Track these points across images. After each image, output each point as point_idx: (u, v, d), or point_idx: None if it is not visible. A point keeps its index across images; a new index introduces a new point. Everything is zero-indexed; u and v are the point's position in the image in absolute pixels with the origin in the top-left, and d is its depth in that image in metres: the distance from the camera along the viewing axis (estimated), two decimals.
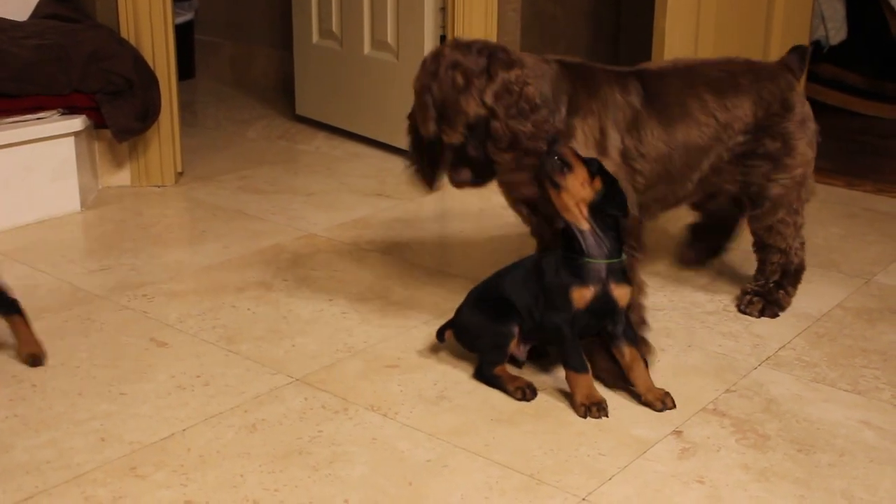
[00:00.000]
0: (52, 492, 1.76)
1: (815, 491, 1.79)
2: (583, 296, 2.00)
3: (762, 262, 2.55)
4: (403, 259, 2.85)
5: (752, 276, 2.58)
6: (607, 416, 2.01)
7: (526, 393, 2.08)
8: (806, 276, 2.64)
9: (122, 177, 3.45)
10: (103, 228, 3.09)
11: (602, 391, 2.08)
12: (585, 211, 1.99)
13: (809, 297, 2.59)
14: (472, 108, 2.06)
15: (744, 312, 2.51)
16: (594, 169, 2.00)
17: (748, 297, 2.53)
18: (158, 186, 3.46)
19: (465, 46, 2.12)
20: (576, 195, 1.99)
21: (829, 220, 3.19)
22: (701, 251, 2.75)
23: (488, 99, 2.06)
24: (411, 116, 2.22)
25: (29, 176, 3.09)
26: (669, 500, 1.76)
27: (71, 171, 3.17)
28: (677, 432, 1.97)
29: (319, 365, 2.22)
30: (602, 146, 2.18)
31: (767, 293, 2.51)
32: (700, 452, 1.91)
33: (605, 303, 2.02)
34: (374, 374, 2.19)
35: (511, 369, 2.14)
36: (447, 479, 1.81)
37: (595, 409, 2.01)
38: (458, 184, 2.15)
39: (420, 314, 2.46)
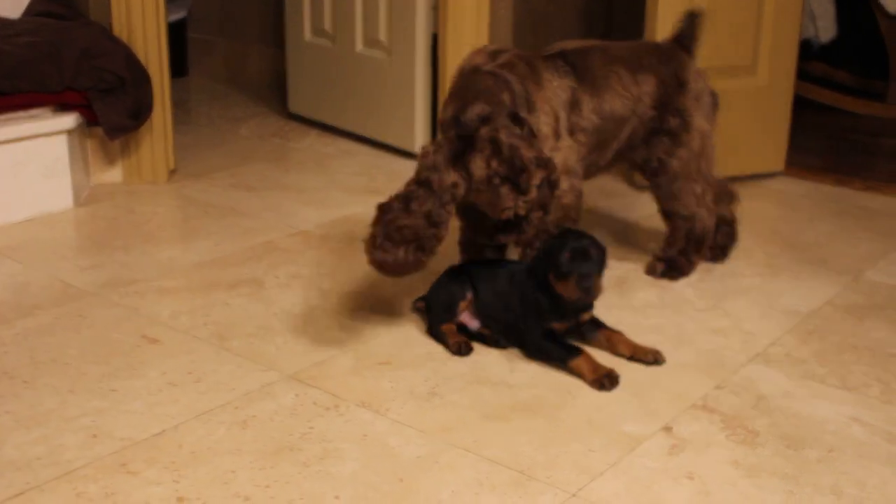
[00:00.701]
0: (44, 488, 1.76)
1: (804, 486, 1.80)
2: (560, 328, 2.23)
3: (670, 229, 2.70)
4: None
5: (662, 244, 2.73)
6: (618, 384, 2.12)
7: (461, 347, 2.25)
8: (795, 273, 2.66)
9: (115, 174, 3.45)
10: (95, 225, 3.09)
11: (591, 392, 2.09)
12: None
13: (799, 294, 2.61)
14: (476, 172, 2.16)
15: (647, 273, 2.69)
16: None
17: (653, 261, 2.71)
18: (150, 184, 3.46)
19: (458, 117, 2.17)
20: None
21: (818, 218, 3.20)
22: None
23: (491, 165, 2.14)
24: None
25: (21, 173, 3.09)
26: (659, 496, 1.77)
27: (63, 168, 3.17)
28: (667, 428, 1.98)
29: (310, 361, 2.23)
30: (557, 131, 2.30)
31: (670, 259, 2.68)
32: (690, 449, 1.92)
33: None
34: (365, 371, 2.19)
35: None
36: (438, 475, 1.82)
37: (607, 380, 2.11)
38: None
39: (411, 311, 2.47)
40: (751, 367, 2.24)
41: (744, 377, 2.19)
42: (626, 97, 2.48)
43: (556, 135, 2.30)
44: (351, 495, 1.76)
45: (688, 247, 2.67)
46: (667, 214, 2.68)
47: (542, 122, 2.28)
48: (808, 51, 4.61)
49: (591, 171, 2.52)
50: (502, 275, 2.29)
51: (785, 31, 3.45)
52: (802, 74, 4.29)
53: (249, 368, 2.20)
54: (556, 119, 2.31)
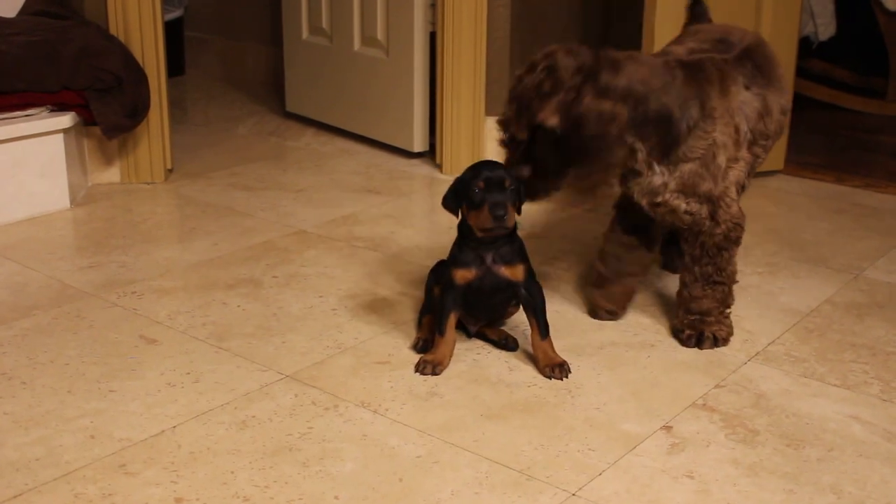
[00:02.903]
0: (42, 489, 1.76)
1: (804, 485, 1.80)
2: (463, 277, 2.15)
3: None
4: (393, 255, 2.85)
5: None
6: (433, 374, 2.15)
7: (418, 343, 2.26)
8: (795, 271, 2.65)
9: (112, 174, 3.45)
10: (93, 225, 3.08)
11: (596, 389, 2.09)
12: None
13: (798, 293, 2.60)
14: (545, 118, 2.04)
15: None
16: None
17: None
18: (148, 183, 3.45)
19: (574, 53, 2.08)
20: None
21: (817, 216, 3.20)
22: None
23: (565, 120, 2.03)
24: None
25: (18, 173, 3.08)
26: (659, 495, 1.77)
27: (60, 168, 3.16)
28: (667, 427, 1.98)
29: (310, 361, 2.22)
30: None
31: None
32: (689, 448, 1.91)
33: (497, 283, 2.16)
34: (364, 371, 2.19)
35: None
36: (437, 475, 1.81)
37: (426, 365, 2.17)
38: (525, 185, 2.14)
39: (410, 310, 2.46)
40: (750, 366, 2.23)
41: (743, 376, 2.19)
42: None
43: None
44: (350, 495, 1.75)
45: None
46: None
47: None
48: (807, 48, 4.61)
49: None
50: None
51: (784, 28, 3.44)
52: (801, 72, 4.29)
53: (248, 368, 2.19)
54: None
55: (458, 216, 2.15)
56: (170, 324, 2.40)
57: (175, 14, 5.06)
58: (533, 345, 2.20)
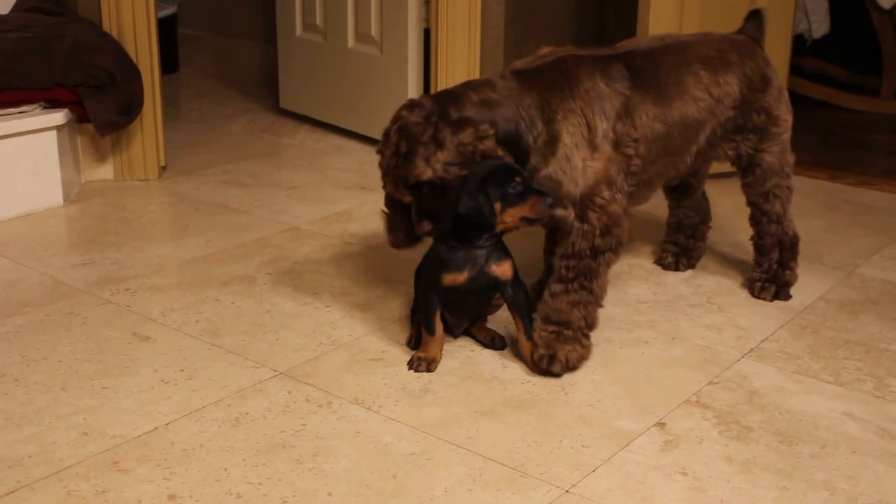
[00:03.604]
0: (35, 486, 1.75)
1: (798, 482, 1.80)
2: (454, 280, 2.12)
3: (760, 236, 2.59)
4: (387, 252, 2.84)
5: (754, 258, 2.62)
6: (427, 371, 2.16)
7: (411, 341, 2.27)
8: None
9: (105, 171, 3.44)
10: (86, 223, 3.07)
11: (590, 386, 2.09)
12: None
13: (792, 290, 2.60)
14: (418, 174, 2.06)
15: (757, 297, 2.57)
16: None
17: (759, 283, 2.58)
18: (141, 181, 3.45)
19: (416, 106, 2.10)
20: (508, 225, 2.11)
21: (811, 213, 3.20)
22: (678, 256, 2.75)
23: (438, 167, 2.05)
24: None
25: (11, 170, 3.07)
26: (652, 491, 1.77)
27: (53, 165, 3.15)
28: (660, 424, 1.98)
29: (303, 358, 2.22)
30: (592, 143, 2.17)
31: (775, 277, 2.57)
32: (683, 444, 1.91)
33: (486, 282, 2.15)
34: (358, 368, 2.18)
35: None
36: (431, 472, 1.81)
37: (420, 362, 2.17)
38: (422, 235, 2.17)
39: (404, 307, 2.46)
40: (744, 363, 2.24)
41: (737, 373, 2.19)
42: (703, 101, 2.35)
43: (592, 146, 2.17)
44: (344, 492, 1.75)
45: (783, 256, 2.57)
46: (757, 216, 2.56)
47: (566, 133, 2.16)
48: (801, 46, 4.61)
49: (668, 174, 2.39)
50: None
51: (778, 26, 3.44)
52: (795, 69, 4.29)
53: (242, 365, 2.19)
54: (591, 130, 2.18)
55: (493, 217, 2.07)
56: (163, 321, 2.40)
57: (169, 11, 5.05)
58: (519, 345, 2.20)
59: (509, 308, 2.19)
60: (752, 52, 2.48)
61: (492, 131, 2.08)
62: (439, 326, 2.17)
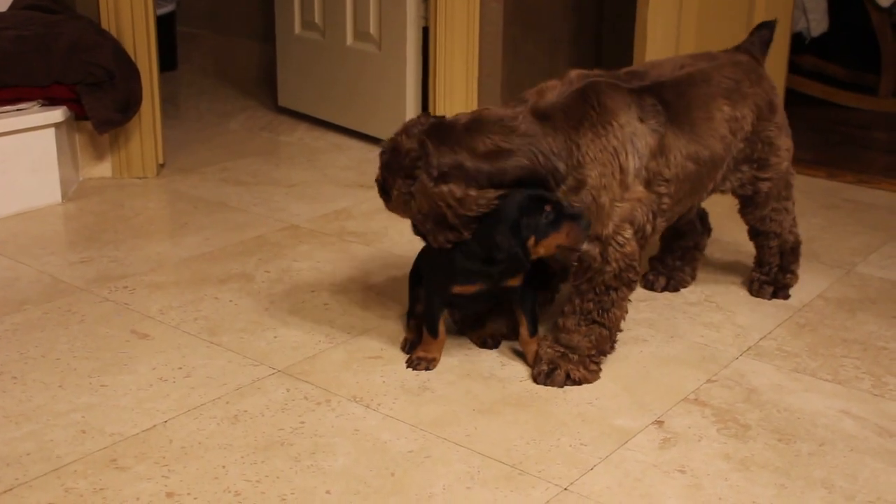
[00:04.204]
0: (33, 484, 1.75)
1: (796, 480, 1.80)
2: (466, 290, 2.11)
3: (760, 248, 2.58)
4: (385, 250, 2.84)
5: (754, 262, 2.60)
6: (427, 369, 2.16)
7: (407, 345, 2.24)
8: None
9: (104, 169, 3.44)
10: (84, 220, 3.07)
11: (583, 385, 2.10)
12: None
13: (791, 288, 2.60)
14: (393, 210, 2.09)
15: (756, 296, 2.57)
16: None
17: (757, 283, 2.58)
18: (140, 178, 3.45)
19: (413, 136, 2.03)
20: (541, 255, 2.07)
21: (809, 211, 3.20)
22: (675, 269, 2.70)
23: (410, 213, 2.06)
24: None
25: (9, 168, 3.07)
26: (651, 489, 1.77)
27: (51, 162, 3.15)
28: (659, 422, 1.98)
29: (302, 356, 2.22)
30: (623, 182, 2.09)
31: (775, 280, 2.56)
32: (681, 442, 1.91)
33: (496, 292, 2.14)
34: (356, 365, 2.18)
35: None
36: (429, 470, 1.81)
37: (420, 361, 2.17)
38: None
39: (402, 305, 2.46)
40: (742, 361, 2.24)
41: (735, 371, 2.19)
42: (727, 138, 2.28)
43: (623, 186, 2.09)
44: (342, 490, 1.75)
45: (784, 261, 2.56)
46: (756, 234, 2.55)
47: (596, 175, 2.06)
48: (799, 44, 4.61)
49: (685, 207, 2.34)
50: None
51: (777, 24, 3.44)
52: (794, 68, 4.29)
53: (240, 363, 2.19)
54: (623, 172, 2.08)
55: (527, 259, 2.03)
56: (161, 318, 2.40)
57: (167, 9, 5.04)
58: (522, 341, 2.19)
59: (515, 305, 2.17)
60: (759, 78, 2.40)
61: (465, 194, 1.99)
62: (443, 329, 2.17)
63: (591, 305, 2.13)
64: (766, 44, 2.50)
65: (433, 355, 2.18)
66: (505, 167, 2.01)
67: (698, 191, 2.31)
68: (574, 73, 2.18)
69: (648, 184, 2.13)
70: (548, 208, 1.99)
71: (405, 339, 2.27)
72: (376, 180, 2.12)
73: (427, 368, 2.16)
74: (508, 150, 2.02)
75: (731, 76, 2.34)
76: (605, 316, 2.13)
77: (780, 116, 2.44)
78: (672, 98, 2.20)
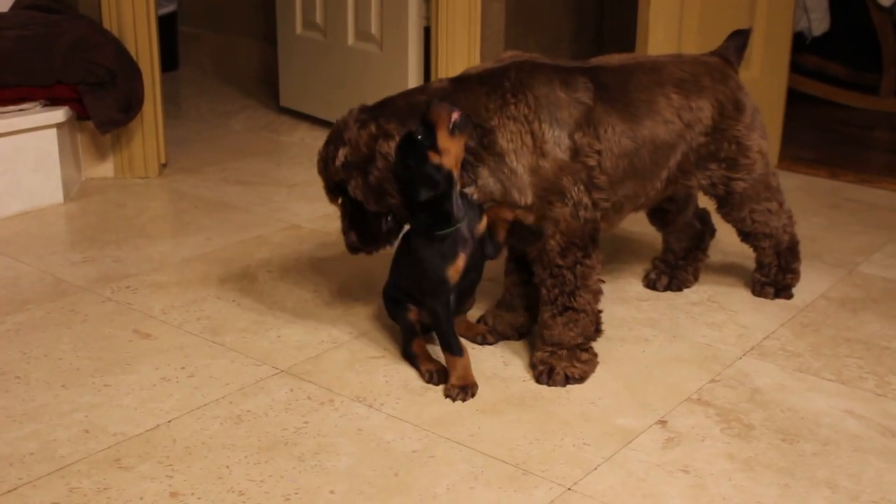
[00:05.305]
0: (37, 483, 1.75)
1: (800, 480, 1.80)
2: (458, 269, 2.04)
3: (755, 249, 2.58)
4: (387, 250, 2.84)
5: (755, 263, 2.60)
6: (473, 397, 2.05)
7: (433, 377, 2.11)
8: None
9: (106, 168, 3.44)
10: (86, 220, 3.07)
11: (591, 384, 2.09)
12: (457, 171, 2.03)
13: (793, 288, 2.60)
14: (330, 176, 2.13)
15: (758, 296, 2.57)
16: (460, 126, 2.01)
17: (759, 285, 2.58)
18: (142, 178, 3.45)
19: (351, 113, 2.15)
20: (458, 157, 2.02)
21: (812, 211, 3.20)
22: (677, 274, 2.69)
23: (340, 166, 2.09)
24: None
25: (11, 167, 3.07)
26: (654, 489, 1.77)
27: (53, 162, 3.15)
28: (662, 422, 1.98)
29: (305, 356, 2.22)
30: (537, 149, 2.10)
31: (775, 281, 2.57)
32: (685, 442, 1.91)
33: (478, 250, 2.08)
34: (359, 365, 2.18)
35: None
36: (433, 470, 1.81)
37: (462, 392, 2.05)
38: (350, 245, 2.19)
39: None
40: (745, 361, 2.24)
41: (738, 371, 2.19)
42: (674, 123, 2.28)
43: (537, 152, 2.10)
44: (346, 490, 1.75)
45: (782, 261, 2.56)
46: (745, 236, 2.54)
47: (503, 140, 2.09)
48: (801, 43, 4.61)
49: (638, 199, 2.32)
50: (403, 252, 2.18)
51: (778, 24, 3.44)
52: (795, 67, 4.29)
53: (243, 363, 2.19)
54: (535, 137, 2.10)
55: (441, 173, 1.98)
56: (164, 318, 2.40)
57: (168, 9, 5.04)
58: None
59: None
60: (724, 77, 2.39)
61: (396, 132, 2.04)
62: (462, 343, 2.10)
63: (556, 291, 2.13)
64: (740, 49, 2.50)
65: (470, 380, 2.08)
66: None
67: (644, 174, 2.28)
68: (508, 54, 2.25)
69: (576, 154, 2.14)
70: (413, 128, 1.99)
71: (427, 371, 2.13)
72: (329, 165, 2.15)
73: (472, 395, 2.06)
74: (423, 101, 2.07)
75: (689, 70, 2.35)
76: (574, 300, 2.13)
77: (750, 117, 2.41)
78: (609, 80, 2.24)
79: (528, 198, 2.09)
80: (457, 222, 2.03)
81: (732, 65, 2.46)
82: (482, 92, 2.12)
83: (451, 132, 1.98)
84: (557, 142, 2.12)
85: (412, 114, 2.07)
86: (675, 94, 2.30)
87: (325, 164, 2.15)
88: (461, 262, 2.04)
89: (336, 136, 2.13)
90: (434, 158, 1.96)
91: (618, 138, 2.20)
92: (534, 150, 2.10)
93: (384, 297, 2.23)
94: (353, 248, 2.20)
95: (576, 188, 2.12)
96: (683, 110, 2.30)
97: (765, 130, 2.47)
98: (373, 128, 2.06)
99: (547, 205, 2.10)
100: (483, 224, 2.08)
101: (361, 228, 2.15)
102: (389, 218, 2.13)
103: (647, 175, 2.28)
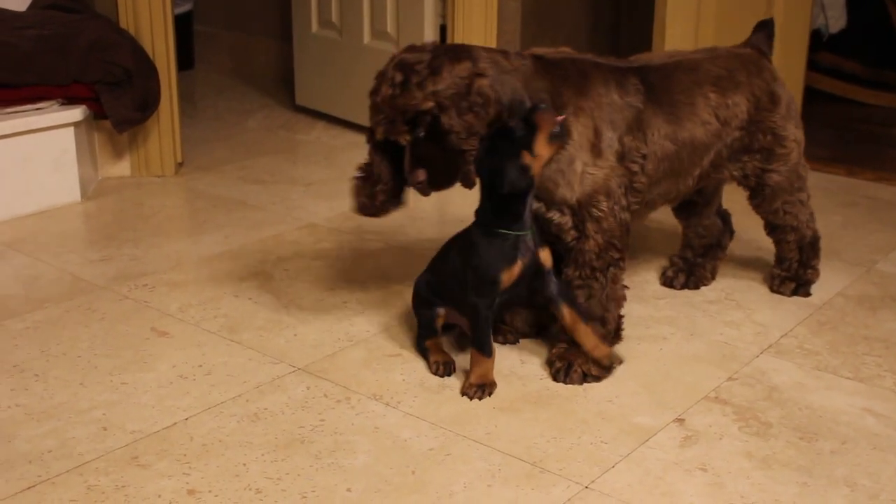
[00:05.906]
0: (55, 481, 1.76)
1: (818, 478, 1.79)
2: (512, 275, 2.01)
3: (778, 244, 2.57)
4: (404, 248, 2.84)
5: (775, 259, 2.59)
6: (490, 395, 2.05)
7: (440, 368, 2.13)
8: None
9: (122, 167, 3.45)
10: (104, 219, 3.08)
11: (608, 382, 2.09)
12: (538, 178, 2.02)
13: (811, 286, 2.59)
14: (416, 104, 1.99)
15: (777, 292, 2.56)
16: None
17: (778, 280, 2.57)
18: (158, 177, 3.45)
19: (416, 47, 2.07)
20: (543, 164, 2.02)
21: (829, 209, 3.19)
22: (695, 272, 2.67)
23: (431, 96, 1.99)
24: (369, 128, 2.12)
25: (29, 166, 3.08)
26: (672, 487, 1.76)
27: (71, 161, 3.16)
28: (679, 420, 1.97)
29: (321, 354, 2.22)
30: (596, 147, 2.12)
31: (796, 276, 2.56)
32: (702, 440, 1.91)
33: (534, 269, 2.04)
34: (376, 363, 2.18)
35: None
36: (450, 468, 1.81)
37: (480, 390, 2.04)
38: (416, 186, 2.07)
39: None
40: (763, 359, 2.23)
41: (756, 369, 2.18)
42: (712, 124, 2.29)
43: (595, 152, 2.11)
44: (363, 488, 1.75)
45: (803, 256, 2.56)
46: (773, 229, 2.54)
47: (573, 131, 2.09)
48: (818, 41, 4.59)
49: (670, 195, 2.33)
50: (450, 249, 2.16)
51: (795, 21, 3.43)
52: (812, 65, 4.27)
53: (260, 361, 2.19)
54: (597, 135, 2.11)
55: (529, 173, 1.98)
56: (181, 316, 2.40)
57: (184, 8, 5.05)
58: (580, 335, 2.08)
59: (553, 301, 2.07)
60: (759, 69, 2.40)
61: (491, 71, 2.02)
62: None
63: (583, 294, 2.14)
64: (770, 38, 2.51)
65: (490, 378, 2.08)
66: (502, 80, 2.04)
67: (680, 173, 2.29)
68: (566, 48, 2.25)
69: (622, 158, 2.15)
70: (512, 124, 1.98)
71: (434, 363, 2.14)
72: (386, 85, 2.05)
73: (490, 394, 2.06)
74: (507, 67, 2.06)
75: (724, 66, 2.36)
76: (601, 301, 2.15)
77: (785, 108, 2.42)
78: (656, 80, 2.24)
79: (576, 195, 2.10)
80: (525, 228, 2.02)
81: (767, 55, 2.47)
82: (557, 76, 2.11)
83: (550, 139, 1.98)
84: (610, 144, 2.13)
85: (493, 69, 2.04)
86: (713, 94, 2.30)
87: (404, 87, 2.01)
88: (517, 268, 2.01)
89: (408, 63, 2.02)
90: (526, 158, 1.97)
91: (661, 141, 2.21)
92: (592, 148, 2.11)
93: (414, 290, 2.22)
94: (390, 201, 2.13)
95: (620, 190, 2.14)
96: (721, 108, 2.31)
97: (800, 120, 2.48)
98: (469, 64, 2.02)
99: (594, 203, 2.10)
100: (547, 255, 2.05)
101: (432, 167, 2.05)
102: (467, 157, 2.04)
103: (682, 174, 2.30)
